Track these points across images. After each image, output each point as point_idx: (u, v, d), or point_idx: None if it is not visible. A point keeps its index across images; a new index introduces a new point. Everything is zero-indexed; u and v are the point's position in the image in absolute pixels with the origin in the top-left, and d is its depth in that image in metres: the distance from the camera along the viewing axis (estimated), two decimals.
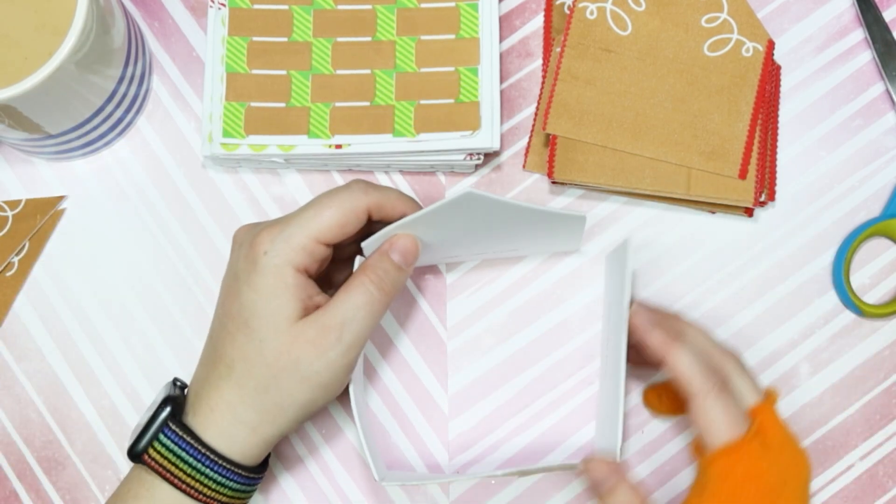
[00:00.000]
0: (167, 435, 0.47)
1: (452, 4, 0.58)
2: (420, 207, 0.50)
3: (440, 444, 0.56)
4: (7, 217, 0.58)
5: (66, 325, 0.58)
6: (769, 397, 0.50)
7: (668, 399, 0.55)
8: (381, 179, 0.59)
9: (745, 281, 0.58)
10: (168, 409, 0.48)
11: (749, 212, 0.58)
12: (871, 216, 0.58)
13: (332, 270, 0.52)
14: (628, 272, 0.51)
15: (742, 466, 0.47)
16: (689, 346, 0.49)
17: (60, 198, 0.59)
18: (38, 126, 0.53)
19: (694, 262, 0.58)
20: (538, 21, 0.61)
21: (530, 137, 0.59)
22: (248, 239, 0.49)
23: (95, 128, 0.56)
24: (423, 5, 0.58)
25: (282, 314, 0.47)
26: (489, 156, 0.59)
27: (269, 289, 0.47)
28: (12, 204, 0.58)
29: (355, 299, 0.48)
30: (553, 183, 0.58)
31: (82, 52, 0.50)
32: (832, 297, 0.58)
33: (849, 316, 0.57)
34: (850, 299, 0.56)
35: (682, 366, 0.49)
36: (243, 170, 0.59)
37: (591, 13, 0.58)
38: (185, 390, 0.51)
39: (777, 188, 0.58)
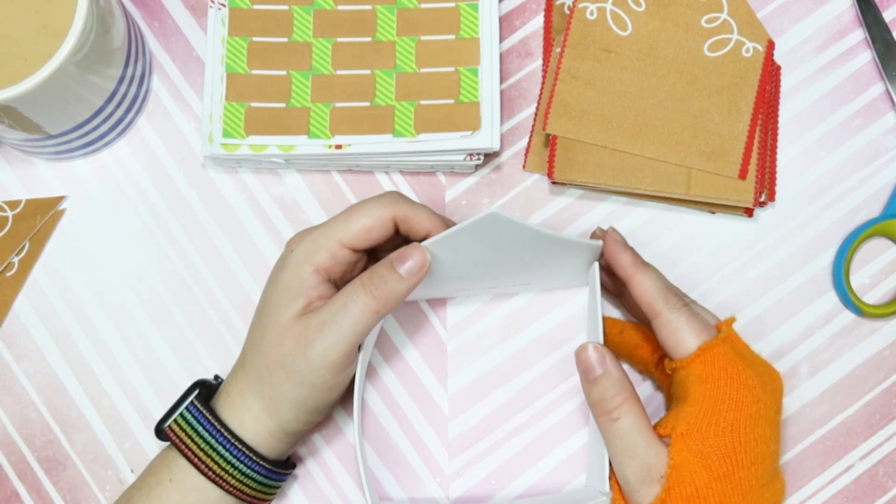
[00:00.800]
0: (189, 410, 0.50)
1: (452, 5, 0.58)
2: (446, 227, 0.50)
3: (440, 444, 0.56)
4: (7, 217, 0.58)
5: (66, 325, 0.58)
6: (728, 319, 0.51)
7: (632, 334, 0.54)
8: (382, 180, 0.59)
9: (745, 281, 0.58)
10: (196, 391, 0.50)
11: (749, 212, 0.58)
12: (871, 216, 0.58)
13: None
14: (597, 297, 0.51)
15: (719, 365, 0.48)
16: (655, 273, 0.51)
17: (60, 198, 0.59)
18: (38, 126, 0.53)
19: (694, 262, 0.58)
20: (538, 21, 0.61)
21: (530, 137, 0.59)
22: (289, 240, 0.51)
23: (95, 128, 0.56)
24: (423, 5, 0.58)
25: (287, 309, 0.49)
26: (489, 156, 0.59)
27: (285, 283, 0.49)
28: (12, 204, 0.58)
29: (342, 301, 0.48)
30: (553, 183, 0.58)
31: (82, 52, 0.50)
32: (832, 297, 0.58)
33: (849, 316, 0.57)
34: (850, 299, 0.56)
35: (647, 285, 0.50)
36: (243, 170, 0.59)
37: (591, 13, 0.58)
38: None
39: (777, 188, 0.58)
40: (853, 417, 0.56)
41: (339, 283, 0.50)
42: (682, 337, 0.48)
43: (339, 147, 0.56)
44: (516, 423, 0.57)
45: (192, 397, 0.50)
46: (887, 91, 0.59)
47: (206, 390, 0.51)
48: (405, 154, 0.57)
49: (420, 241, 0.49)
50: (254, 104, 0.57)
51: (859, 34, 0.60)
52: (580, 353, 0.49)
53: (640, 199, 0.58)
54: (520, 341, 0.57)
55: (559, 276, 0.56)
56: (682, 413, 0.48)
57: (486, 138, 0.56)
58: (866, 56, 0.60)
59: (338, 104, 0.57)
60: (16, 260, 0.58)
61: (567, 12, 0.59)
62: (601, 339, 0.50)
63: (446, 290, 0.56)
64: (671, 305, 0.49)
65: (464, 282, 0.54)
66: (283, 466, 0.52)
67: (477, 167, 0.59)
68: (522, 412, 0.57)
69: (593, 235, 0.54)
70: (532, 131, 0.59)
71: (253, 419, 0.49)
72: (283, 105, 0.57)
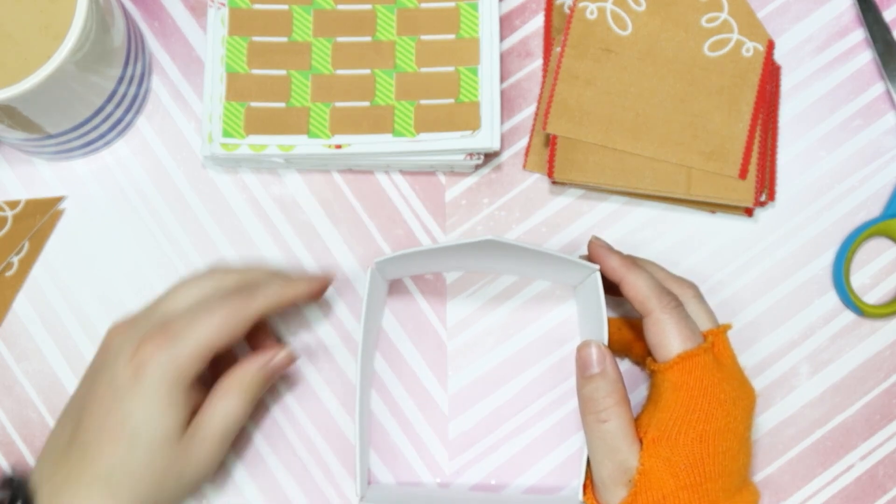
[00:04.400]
0: None
1: (452, 4, 0.58)
2: (310, 287, 0.52)
3: (440, 444, 0.56)
4: (7, 217, 0.58)
5: (66, 325, 0.58)
6: (723, 327, 0.51)
7: (628, 330, 0.55)
8: (381, 179, 0.59)
9: (745, 281, 0.58)
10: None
11: (749, 212, 0.58)
12: (871, 216, 0.58)
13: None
14: (602, 303, 0.51)
15: (696, 375, 0.48)
16: (646, 272, 0.50)
17: (60, 198, 0.59)
18: (38, 126, 0.53)
19: (694, 262, 0.58)
20: (538, 21, 0.61)
21: (530, 137, 0.59)
22: (129, 347, 0.48)
23: (95, 128, 0.56)
24: (423, 5, 0.58)
25: (169, 432, 0.47)
26: (489, 156, 0.59)
27: (158, 407, 0.47)
28: (12, 204, 0.58)
29: (228, 414, 0.49)
30: (553, 183, 0.58)
31: (82, 52, 0.50)
32: (832, 297, 0.58)
33: (849, 316, 0.57)
34: (850, 299, 0.56)
35: (639, 285, 0.50)
36: (243, 170, 0.59)
37: (592, 13, 0.58)
38: (19, 483, 0.48)
39: (777, 188, 0.58)
40: (853, 417, 0.56)
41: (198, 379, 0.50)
42: (668, 340, 0.48)
43: (338, 147, 0.56)
44: (516, 423, 0.57)
45: None
46: (887, 91, 0.59)
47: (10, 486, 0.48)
48: (405, 154, 0.57)
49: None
50: (254, 104, 0.57)
51: (859, 34, 0.60)
52: (582, 349, 0.49)
53: (640, 199, 0.58)
54: (520, 341, 0.57)
55: (559, 278, 0.57)
56: (654, 419, 0.48)
57: (486, 138, 0.56)
58: (866, 56, 0.60)
59: (338, 104, 0.57)
60: (15, 260, 0.58)
61: (567, 12, 0.59)
62: (605, 340, 0.50)
63: (438, 269, 0.57)
64: (663, 305, 0.49)
65: (454, 266, 0.56)
66: None
67: (477, 167, 0.59)
68: (522, 412, 0.57)
69: (589, 245, 0.53)
70: (532, 131, 0.59)
71: None
72: (283, 105, 0.57)
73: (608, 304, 0.51)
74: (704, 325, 0.50)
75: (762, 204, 0.57)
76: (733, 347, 0.51)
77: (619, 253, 0.52)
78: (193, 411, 0.49)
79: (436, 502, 0.53)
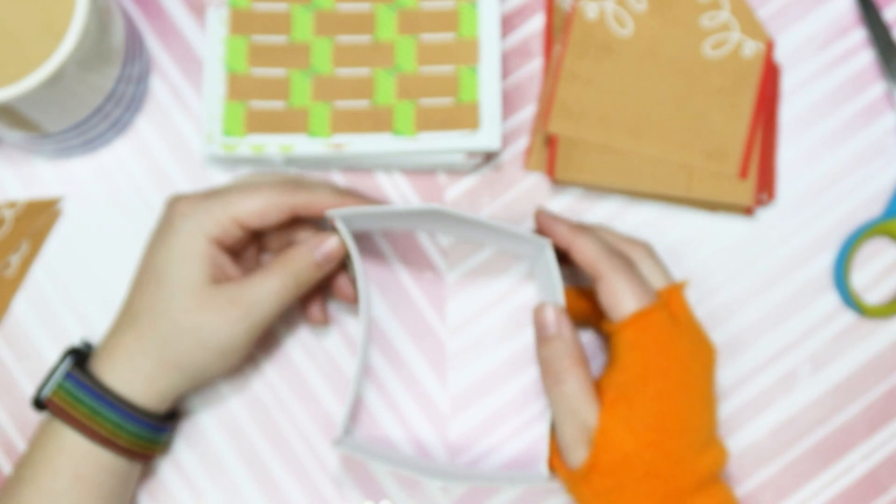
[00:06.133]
0: (69, 379, 0.50)
1: (452, 4, 0.58)
2: (358, 197, 0.52)
3: (440, 444, 0.56)
4: (6, 217, 0.58)
5: (66, 324, 0.58)
6: (678, 284, 0.50)
7: (586, 300, 0.54)
8: (382, 179, 0.59)
9: (745, 281, 0.58)
10: (69, 358, 0.51)
11: (749, 211, 0.58)
12: (871, 216, 0.58)
13: (249, 255, 0.54)
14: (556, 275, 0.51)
15: (651, 333, 0.48)
16: (594, 236, 0.50)
17: (59, 198, 0.59)
18: (37, 125, 0.53)
19: (694, 262, 0.58)
20: (538, 21, 0.61)
21: (531, 137, 0.59)
22: (172, 203, 0.51)
23: (94, 127, 0.56)
24: (424, 5, 0.58)
25: (193, 277, 0.49)
26: (489, 155, 0.59)
27: (181, 251, 0.49)
28: (12, 204, 0.58)
29: (270, 284, 0.50)
30: (554, 183, 0.58)
31: (82, 52, 0.50)
32: (832, 297, 0.58)
33: (849, 316, 0.57)
34: (850, 299, 0.56)
35: (587, 250, 0.49)
36: (243, 169, 0.59)
37: (593, 13, 0.58)
38: (91, 348, 0.53)
39: (778, 188, 0.58)
40: (854, 417, 0.56)
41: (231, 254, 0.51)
42: (620, 300, 0.48)
43: (338, 146, 0.56)
44: (516, 423, 0.56)
45: (65, 365, 0.50)
46: (888, 91, 0.59)
47: (78, 356, 0.51)
48: (405, 153, 0.57)
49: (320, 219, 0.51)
50: (254, 103, 0.57)
51: (860, 34, 0.60)
52: (538, 312, 0.49)
53: (640, 199, 0.58)
54: (520, 341, 0.57)
55: (512, 251, 0.57)
56: (612, 380, 0.48)
57: (485, 137, 0.56)
58: (867, 56, 0.60)
59: (338, 103, 0.57)
60: (14, 260, 0.58)
61: (568, 11, 0.59)
62: (561, 302, 0.50)
63: (400, 228, 0.57)
64: (613, 266, 0.49)
65: (417, 228, 0.56)
66: (170, 418, 0.53)
67: (477, 167, 0.59)
68: (522, 412, 0.57)
69: (536, 216, 0.53)
70: (533, 131, 0.59)
71: (142, 379, 0.50)
72: (283, 104, 0.57)
73: (567, 278, 0.51)
74: (659, 283, 0.50)
75: (762, 203, 0.57)
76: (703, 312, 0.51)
77: (566, 220, 0.52)
78: (225, 279, 0.50)
79: (410, 462, 0.53)
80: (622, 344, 0.48)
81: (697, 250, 0.58)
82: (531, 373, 0.57)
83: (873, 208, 0.58)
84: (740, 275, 0.58)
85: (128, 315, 0.51)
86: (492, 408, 0.57)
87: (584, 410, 0.47)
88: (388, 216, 0.51)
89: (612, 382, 0.48)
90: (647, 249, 0.51)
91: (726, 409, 0.56)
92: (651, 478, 0.46)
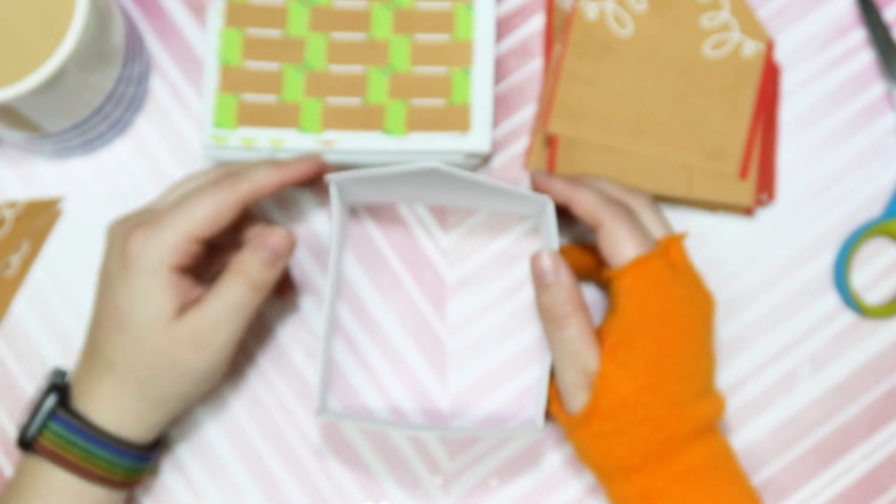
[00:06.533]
0: (57, 421, 0.49)
1: (448, 5, 0.58)
2: (297, 161, 0.52)
3: (440, 444, 0.56)
4: (6, 217, 0.58)
5: (66, 324, 0.58)
6: (678, 235, 0.50)
7: (589, 255, 0.54)
8: None
9: (745, 281, 0.58)
10: (54, 396, 0.50)
11: (749, 211, 0.58)
12: (871, 216, 0.58)
13: (210, 259, 0.53)
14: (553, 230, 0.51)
15: (649, 279, 0.48)
16: (593, 187, 0.50)
17: (59, 198, 0.59)
18: (37, 125, 0.53)
19: (694, 261, 0.58)
20: (538, 21, 0.60)
21: (531, 137, 0.59)
22: (121, 237, 0.49)
23: (94, 127, 0.56)
24: (419, 5, 0.58)
25: (159, 314, 0.48)
26: (489, 156, 0.59)
27: (145, 290, 0.48)
28: (12, 204, 0.58)
29: (230, 299, 0.49)
30: None
31: (82, 52, 0.50)
32: (832, 297, 0.58)
33: (849, 316, 0.57)
34: (850, 299, 0.56)
35: (586, 200, 0.50)
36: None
37: (593, 13, 0.58)
38: (66, 377, 0.52)
39: (778, 188, 0.58)
40: (854, 417, 0.56)
41: (191, 269, 0.50)
42: (620, 247, 0.48)
43: (328, 143, 0.56)
44: (516, 423, 0.56)
45: (49, 404, 0.49)
46: (888, 91, 0.59)
47: (60, 392, 0.50)
48: (395, 153, 0.56)
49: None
50: (246, 96, 0.57)
51: (860, 34, 0.60)
52: (535, 260, 0.49)
53: None
54: (520, 341, 0.57)
55: (513, 209, 0.57)
56: (612, 326, 0.48)
57: (475, 140, 0.56)
58: (867, 56, 0.60)
59: (330, 100, 0.57)
60: (14, 260, 0.58)
61: (568, 11, 0.59)
62: (556, 248, 0.50)
63: (388, 199, 0.57)
64: (613, 214, 0.49)
65: (406, 196, 0.56)
66: (155, 444, 0.53)
67: (477, 167, 0.58)
68: (522, 412, 0.57)
69: (532, 177, 0.53)
70: (533, 131, 0.59)
71: (132, 417, 0.49)
72: (275, 98, 0.57)
73: (568, 234, 0.51)
74: (659, 233, 0.50)
75: (762, 203, 0.57)
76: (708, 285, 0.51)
77: (562, 175, 0.52)
78: (190, 303, 0.49)
79: (393, 425, 0.53)
80: (621, 290, 0.48)
81: (697, 250, 0.58)
82: (531, 373, 0.57)
83: (873, 208, 0.58)
84: (740, 275, 0.58)
85: (100, 360, 0.50)
86: (492, 408, 0.57)
87: (584, 355, 0.48)
88: (386, 179, 0.50)
89: (611, 328, 0.48)
90: (648, 201, 0.52)
91: (726, 409, 0.56)
92: (649, 421, 0.47)
